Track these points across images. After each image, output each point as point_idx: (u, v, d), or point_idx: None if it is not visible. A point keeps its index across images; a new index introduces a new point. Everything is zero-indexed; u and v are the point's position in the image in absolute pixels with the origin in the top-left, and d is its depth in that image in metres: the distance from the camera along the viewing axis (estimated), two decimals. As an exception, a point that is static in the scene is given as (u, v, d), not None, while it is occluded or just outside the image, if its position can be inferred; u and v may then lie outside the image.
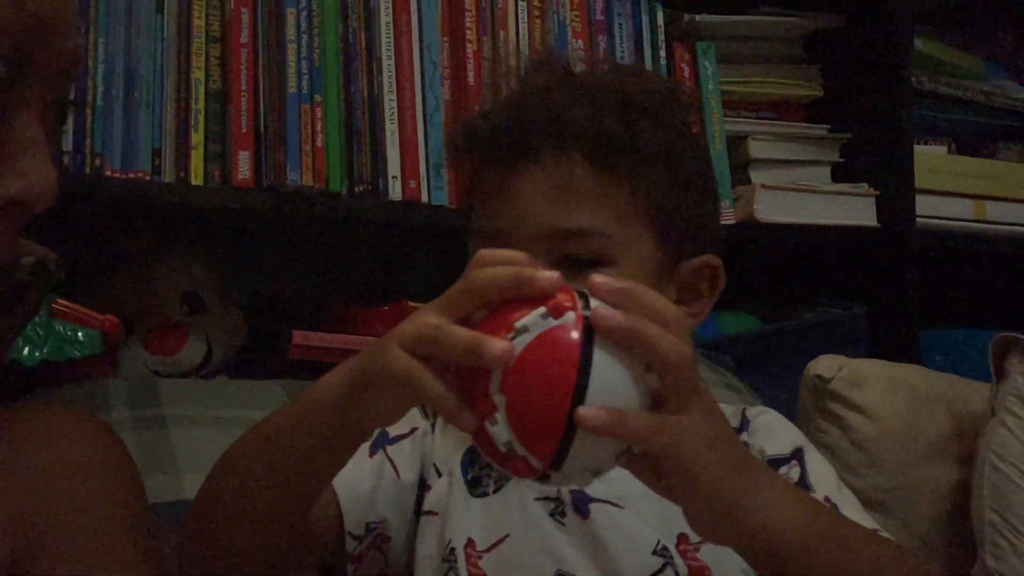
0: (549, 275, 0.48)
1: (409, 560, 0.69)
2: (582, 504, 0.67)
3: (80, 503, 0.54)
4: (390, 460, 0.69)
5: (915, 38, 1.31)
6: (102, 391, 0.89)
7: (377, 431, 0.68)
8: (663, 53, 1.18)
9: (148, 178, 0.97)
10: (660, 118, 0.67)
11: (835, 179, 1.28)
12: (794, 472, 0.69)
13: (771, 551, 0.52)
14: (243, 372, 1.08)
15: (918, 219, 1.26)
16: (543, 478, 0.49)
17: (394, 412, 0.52)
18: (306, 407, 0.55)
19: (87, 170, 0.95)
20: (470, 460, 0.70)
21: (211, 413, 0.88)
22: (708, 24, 1.23)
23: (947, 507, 1.03)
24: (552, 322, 0.48)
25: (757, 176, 1.24)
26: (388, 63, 1.05)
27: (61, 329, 0.92)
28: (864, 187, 1.26)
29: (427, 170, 1.05)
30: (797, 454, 0.70)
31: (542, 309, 0.48)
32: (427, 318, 0.49)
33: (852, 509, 0.67)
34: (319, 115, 1.02)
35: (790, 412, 1.08)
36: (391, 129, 1.04)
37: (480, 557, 0.66)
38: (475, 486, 0.69)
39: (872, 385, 1.03)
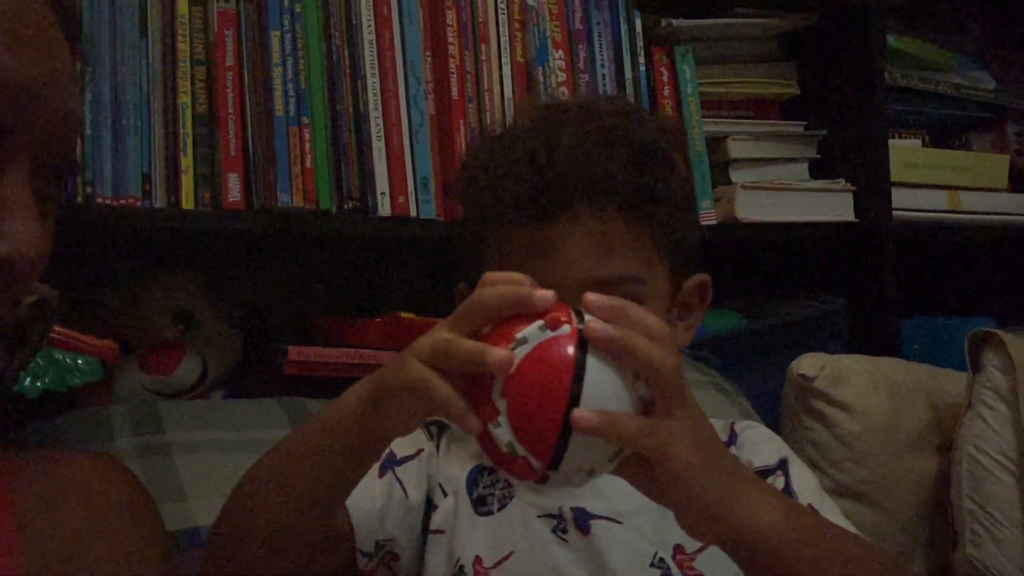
0: (545, 293, 0.54)
1: (418, 577, 0.71)
2: (583, 521, 0.70)
3: (118, 550, 0.56)
4: (399, 481, 0.72)
5: (888, 34, 1.33)
6: (104, 418, 0.90)
7: (385, 453, 0.71)
8: (642, 59, 1.19)
9: (139, 204, 0.96)
10: (668, 161, 0.71)
11: (813, 175, 1.30)
12: (779, 481, 0.73)
13: (755, 547, 0.55)
14: (240, 388, 1.09)
15: (894, 212, 1.28)
16: (543, 479, 0.53)
17: (412, 419, 0.57)
18: (329, 420, 0.59)
19: (79, 199, 0.95)
20: (475, 480, 0.73)
21: (213, 436, 0.89)
22: (685, 28, 1.23)
23: (928, 497, 1.06)
24: (549, 334, 0.53)
25: (737, 175, 1.25)
26: (373, 80, 1.05)
27: (61, 357, 0.92)
28: (842, 183, 1.28)
29: (414, 185, 1.05)
30: (782, 465, 0.74)
31: (540, 322, 0.53)
32: (440, 333, 0.54)
33: (833, 515, 0.71)
34: (307, 136, 1.02)
35: (775, 408, 1.11)
36: (378, 146, 1.04)
37: (487, 573, 0.69)
38: (480, 505, 0.72)
39: (853, 381, 1.06)
